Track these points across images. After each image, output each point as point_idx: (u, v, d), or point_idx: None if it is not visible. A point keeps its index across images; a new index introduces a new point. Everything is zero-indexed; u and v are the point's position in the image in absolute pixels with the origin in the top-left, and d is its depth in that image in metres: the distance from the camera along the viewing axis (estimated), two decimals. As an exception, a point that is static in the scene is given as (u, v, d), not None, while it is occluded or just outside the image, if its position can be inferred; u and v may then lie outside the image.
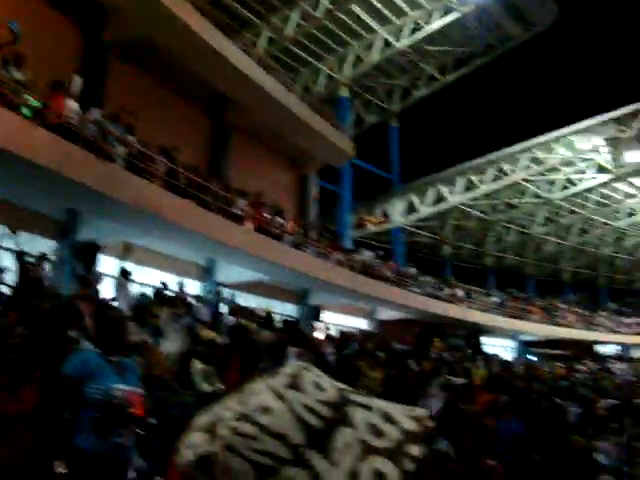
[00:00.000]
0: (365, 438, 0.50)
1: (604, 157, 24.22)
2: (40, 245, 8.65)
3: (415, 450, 0.54)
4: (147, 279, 10.79)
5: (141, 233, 10.05)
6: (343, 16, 18.51)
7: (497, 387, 9.17)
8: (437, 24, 19.88)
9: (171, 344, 6.74)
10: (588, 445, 6.97)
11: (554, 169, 24.75)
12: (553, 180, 25.36)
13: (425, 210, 23.57)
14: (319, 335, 12.73)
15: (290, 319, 13.65)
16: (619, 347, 29.58)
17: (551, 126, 23.24)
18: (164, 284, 10.04)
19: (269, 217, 13.14)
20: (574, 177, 25.46)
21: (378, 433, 0.51)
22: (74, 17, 11.25)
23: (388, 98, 24.19)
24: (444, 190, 22.79)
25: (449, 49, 22.38)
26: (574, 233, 29.02)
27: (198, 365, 6.14)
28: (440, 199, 23.25)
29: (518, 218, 27.86)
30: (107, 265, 9.65)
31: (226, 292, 12.09)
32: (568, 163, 24.74)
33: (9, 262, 7.39)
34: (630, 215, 28.12)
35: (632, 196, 26.97)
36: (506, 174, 23.52)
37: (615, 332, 29.07)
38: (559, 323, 26.86)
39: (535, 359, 24.38)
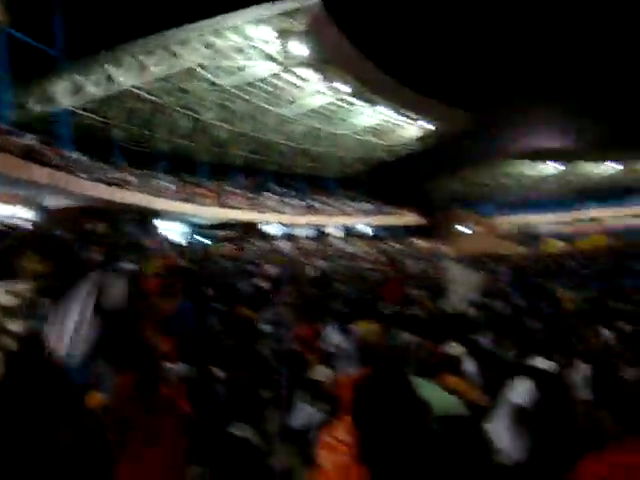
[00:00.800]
0: None
1: (274, 47, 32.74)
2: None
3: (15, 326, 1.34)
4: None
5: None
6: None
7: (170, 271, 11.76)
8: None
9: None
10: (254, 316, 9.32)
11: (226, 55, 31.99)
12: (225, 66, 32.77)
13: (93, 92, 27.80)
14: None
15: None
16: (283, 227, 41.71)
17: (224, 9, 29.94)
18: None
19: None
20: (245, 65, 33.54)
21: None
22: None
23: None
24: (113, 71, 27.48)
25: None
26: (244, 120, 38.24)
27: None
28: (110, 80, 27.89)
29: (191, 103, 34.88)
30: None
31: None
32: (239, 50, 32.40)
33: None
34: (295, 104, 38.86)
35: (297, 87, 37.33)
36: (178, 57, 29.61)
37: (280, 213, 40.77)
38: (229, 206, 36.24)
39: (207, 241, 32.98)
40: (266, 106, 37.35)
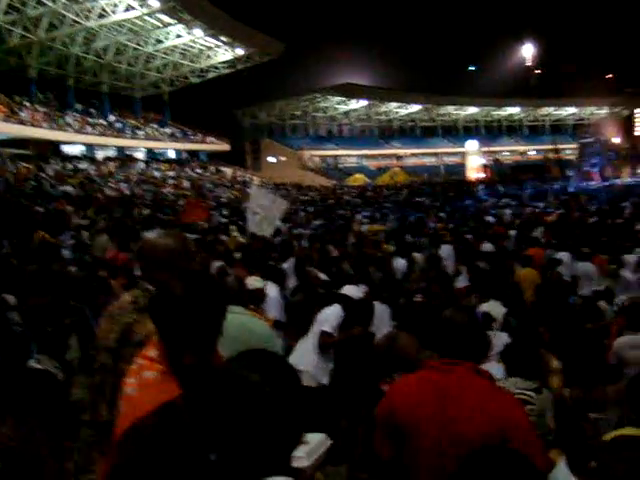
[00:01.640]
0: None
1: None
2: None
3: None
4: None
5: None
6: None
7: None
8: None
9: None
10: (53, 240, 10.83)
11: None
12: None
13: None
14: None
15: None
16: (84, 147, 44.36)
17: None
18: None
19: None
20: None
21: None
22: None
23: None
24: None
25: None
26: (42, 27, 39.59)
27: None
28: None
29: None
30: None
31: None
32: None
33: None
34: (101, 16, 41.31)
35: (103, -4, 39.84)
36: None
37: (81, 133, 43.28)
38: (24, 122, 37.89)
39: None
40: (67, 14, 38.67)
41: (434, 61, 77.48)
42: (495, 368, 4.73)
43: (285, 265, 9.17)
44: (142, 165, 47.17)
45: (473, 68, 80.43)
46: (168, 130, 53.73)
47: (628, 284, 8.91)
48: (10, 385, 2.99)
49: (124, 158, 46.63)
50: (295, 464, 1.52)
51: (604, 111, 72.29)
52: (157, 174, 45.36)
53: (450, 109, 73.61)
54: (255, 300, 5.28)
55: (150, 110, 54.46)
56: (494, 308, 6.80)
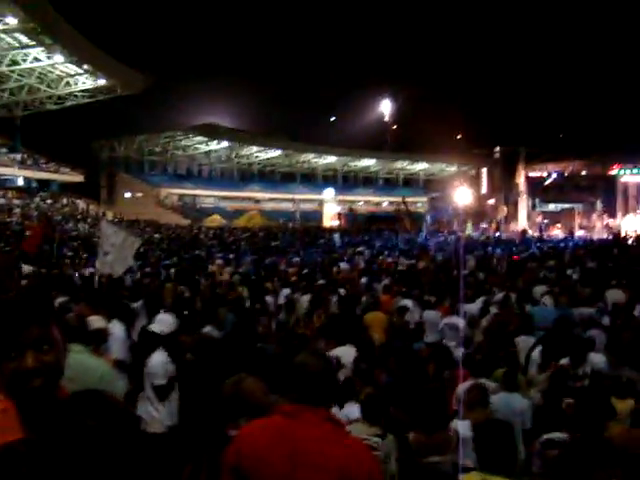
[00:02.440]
0: None
1: None
2: None
3: None
4: None
5: None
6: None
7: None
8: None
9: None
10: None
11: None
12: None
13: None
14: None
15: None
16: None
17: None
18: None
19: None
20: None
21: None
22: None
23: None
24: None
25: None
26: None
27: None
28: None
29: None
30: None
31: None
32: None
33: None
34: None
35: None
36: None
37: None
38: None
39: None
40: None
41: (297, 109, 79.40)
42: (355, 409, 4.83)
43: (135, 305, 8.96)
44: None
45: (334, 118, 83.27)
46: (18, 156, 50.97)
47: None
48: None
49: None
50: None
51: (453, 169, 77.26)
52: (1, 201, 42.88)
53: (310, 156, 75.50)
54: (96, 339, 5.12)
55: (-1, 132, 51.38)
56: (345, 352, 6.97)
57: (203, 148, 69.18)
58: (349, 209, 62.15)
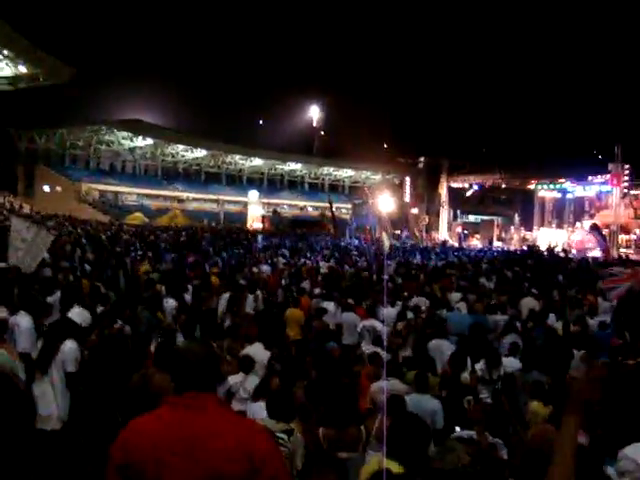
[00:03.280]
0: None
1: None
2: None
3: None
4: None
5: None
6: None
7: None
8: None
9: None
10: None
11: None
12: None
13: None
14: None
15: None
16: None
17: None
18: None
19: None
20: None
21: None
22: None
23: None
24: None
25: None
26: None
27: None
28: None
29: None
30: None
31: None
32: None
33: None
34: None
35: None
36: None
37: None
38: None
39: None
40: None
41: (225, 110, 78.89)
42: (258, 406, 4.82)
43: (50, 299, 8.89)
44: None
45: (261, 122, 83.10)
46: None
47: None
48: None
49: None
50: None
51: (378, 177, 78.41)
52: None
53: (236, 158, 74.95)
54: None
55: None
56: (258, 351, 6.99)
57: (128, 144, 67.49)
58: (273, 212, 62.09)
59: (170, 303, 10.37)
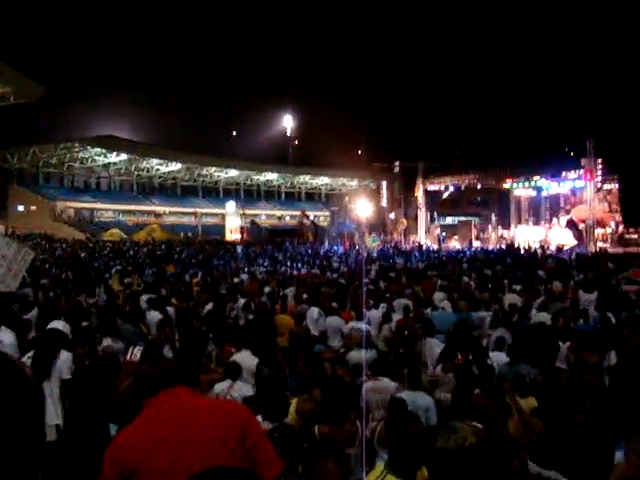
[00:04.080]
0: None
1: None
2: None
3: None
4: None
5: None
6: None
7: None
8: None
9: None
10: None
11: None
12: None
13: None
14: None
15: None
16: None
17: None
18: None
19: None
20: None
21: None
22: None
23: None
24: None
25: None
26: None
27: None
28: None
29: None
30: None
31: None
32: None
33: None
34: None
35: None
36: None
37: None
38: None
39: None
40: None
41: (198, 122, 78.67)
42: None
43: (28, 315, 9.02)
44: None
45: (235, 133, 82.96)
46: None
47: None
48: None
49: None
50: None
51: (354, 183, 78.62)
52: None
53: (212, 170, 74.66)
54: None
55: None
56: (246, 358, 6.95)
57: (102, 160, 66.89)
58: (251, 222, 61.93)
59: (153, 315, 10.24)
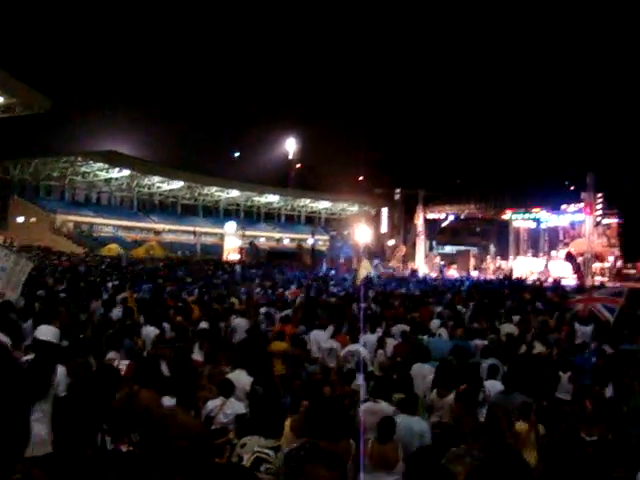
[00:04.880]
0: None
1: None
2: None
3: None
4: None
5: None
6: None
7: None
8: None
9: None
10: None
11: None
12: None
13: None
14: None
15: None
16: None
17: None
18: None
19: None
20: None
21: None
22: None
23: None
24: None
25: None
26: None
27: None
28: None
29: None
30: None
31: None
32: None
33: None
34: None
35: None
36: None
37: None
38: None
39: None
40: None
41: (202, 142, 79.03)
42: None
43: (25, 325, 8.95)
44: None
45: (238, 154, 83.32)
46: None
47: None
48: None
49: None
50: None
51: (355, 208, 78.84)
52: None
53: (213, 190, 74.88)
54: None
55: None
56: (240, 377, 6.98)
57: (103, 175, 67.09)
58: (250, 243, 61.94)
59: (150, 331, 10.25)
